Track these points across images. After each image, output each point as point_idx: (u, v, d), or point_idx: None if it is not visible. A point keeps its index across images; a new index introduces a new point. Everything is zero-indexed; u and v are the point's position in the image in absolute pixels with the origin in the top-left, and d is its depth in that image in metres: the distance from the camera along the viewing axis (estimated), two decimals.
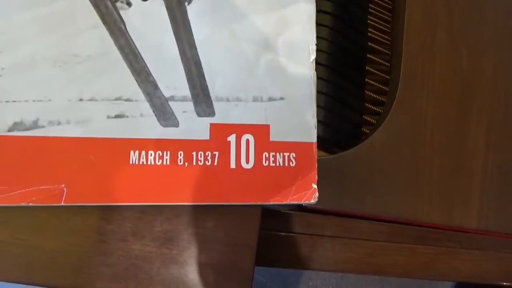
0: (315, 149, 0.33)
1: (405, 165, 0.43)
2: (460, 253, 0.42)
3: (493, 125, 0.46)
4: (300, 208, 0.41)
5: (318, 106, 0.51)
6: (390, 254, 0.40)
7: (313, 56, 0.34)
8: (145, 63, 0.32)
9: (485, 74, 0.48)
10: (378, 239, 0.41)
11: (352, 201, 0.41)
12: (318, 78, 0.53)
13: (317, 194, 0.33)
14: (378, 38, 0.54)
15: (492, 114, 0.47)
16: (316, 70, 0.52)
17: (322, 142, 0.51)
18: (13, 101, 0.31)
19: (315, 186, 0.33)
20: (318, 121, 0.51)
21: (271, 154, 0.33)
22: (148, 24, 0.32)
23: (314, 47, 0.34)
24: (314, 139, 0.33)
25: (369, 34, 0.54)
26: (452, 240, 0.42)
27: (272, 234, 0.39)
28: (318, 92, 0.52)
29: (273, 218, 0.39)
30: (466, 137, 0.45)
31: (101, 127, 0.31)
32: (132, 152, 0.31)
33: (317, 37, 0.36)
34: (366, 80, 0.55)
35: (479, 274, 0.42)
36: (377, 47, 0.54)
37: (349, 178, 0.42)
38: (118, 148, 0.31)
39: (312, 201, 0.32)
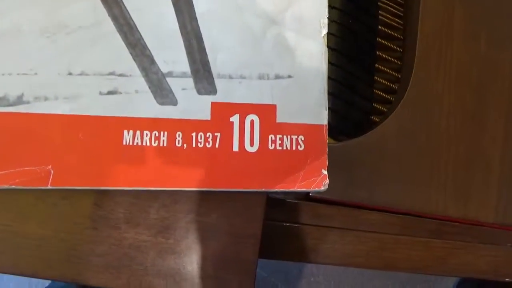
0: (325, 132, 0.31)
1: (419, 154, 0.40)
2: (477, 248, 0.39)
3: None
4: (306, 198, 0.39)
5: None
6: (402, 248, 0.38)
7: (324, 31, 0.31)
8: (140, 35, 0.29)
9: (505, 63, 0.45)
10: (390, 231, 0.38)
11: (362, 191, 0.38)
12: (328, 63, 0.50)
13: (327, 181, 0.30)
14: (390, 22, 0.51)
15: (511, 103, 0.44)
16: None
17: (329, 130, 0.48)
18: None
19: (325, 172, 0.30)
20: None
21: (278, 136, 0.30)
22: None
23: (326, 21, 0.31)
24: (324, 121, 0.31)
25: (380, 17, 0.51)
26: (469, 234, 0.40)
27: (277, 225, 0.36)
28: (328, 77, 0.50)
29: (278, 208, 0.36)
30: (484, 126, 0.43)
31: (92, 104, 0.28)
32: (125, 132, 0.28)
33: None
34: (377, 66, 0.52)
35: (497, 270, 0.40)
36: (389, 31, 0.51)
37: (359, 167, 0.39)
38: (111, 127, 0.28)
39: (322, 188, 0.30)
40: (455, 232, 0.40)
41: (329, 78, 0.49)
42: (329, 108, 0.48)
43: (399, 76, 0.49)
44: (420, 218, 0.39)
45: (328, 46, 0.49)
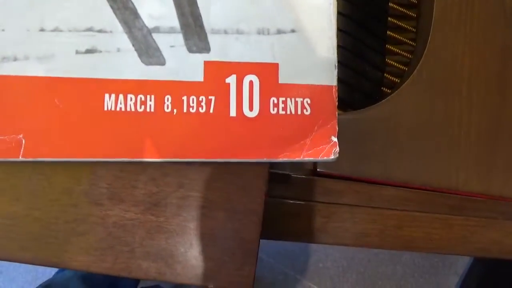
0: (335, 93, 0.27)
1: (437, 125, 0.37)
2: (503, 224, 0.36)
3: None
4: (314, 173, 0.35)
5: None
6: (421, 226, 0.34)
7: None
8: None
9: None
10: (407, 208, 0.35)
11: (375, 166, 0.35)
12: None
13: (337, 149, 0.26)
14: None
15: None
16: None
17: (337, 101, 0.45)
18: None
19: (335, 139, 0.26)
20: None
21: (281, 99, 0.26)
22: None
23: None
24: (334, 81, 0.27)
25: None
26: (494, 210, 0.36)
27: (281, 202, 0.33)
28: None
29: (282, 183, 0.33)
30: (508, 92, 0.38)
31: (68, 65, 0.25)
32: (107, 95, 0.25)
33: None
34: (389, 33, 0.48)
35: None
36: None
37: (372, 140, 0.35)
38: (90, 90, 0.25)
39: (332, 156, 0.26)
40: (478, 208, 0.36)
41: (338, 45, 0.46)
42: (338, 78, 0.45)
43: (414, 45, 0.45)
44: (439, 193, 0.36)
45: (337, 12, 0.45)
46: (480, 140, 0.37)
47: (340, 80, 0.45)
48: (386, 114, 0.37)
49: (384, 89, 0.47)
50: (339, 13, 0.45)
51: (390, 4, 0.47)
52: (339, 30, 0.45)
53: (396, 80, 0.46)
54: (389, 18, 0.48)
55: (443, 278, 1.04)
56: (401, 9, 0.46)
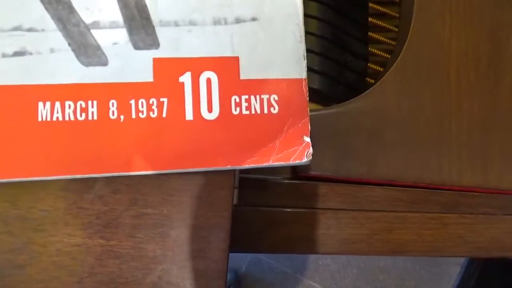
0: (305, 87, 0.24)
1: (426, 115, 0.34)
2: (501, 220, 0.33)
3: None
4: (294, 176, 0.32)
5: (311, 52, 0.42)
6: (412, 227, 0.31)
7: None
8: None
9: None
10: (396, 209, 0.32)
11: (360, 164, 0.32)
12: (311, 17, 0.43)
13: (311, 150, 0.23)
14: None
15: None
16: (309, 7, 0.41)
17: (318, 96, 0.42)
18: None
19: (307, 139, 0.23)
20: (312, 70, 0.42)
21: (243, 97, 0.23)
22: None
23: None
24: (303, 73, 0.24)
25: None
26: (491, 205, 0.33)
27: (257, 210, 0.30)
28: (311, 34, 0.43)
29: (257, 189, 0.30)
30: (501, 75, 0.35)
31: None
32: (41, 104, 0.22)
33: None
34: (371, 20, 0.44)
35: None
36: None
37: (355, 135, 0.32)
38: (20, 99, 0.22)
39: (305, 159, 0.23)
40: (474, 203, 0.33)
41: (316, 35, 0.43)
42: (316, 71, 0.42)
43: (397, 30, 0.42)
44: (430, 190, 0.33)
45: None
46: (472, 128, 0.34)
47: (321, 72, 0.42)
48: (370, 107, 0.34)
49: (368, 79, 0.44)
50: (316, 1, 0.42)
51: None
52: (317, 19, 0.42)
53: (381, 69, 0.43)
54: (370, 4, 0.45)
55: (444, 269, 1.02)
56: None
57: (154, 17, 0.23)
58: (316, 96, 0.40)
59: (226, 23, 0.23)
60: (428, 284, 1.04)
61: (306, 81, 0.24)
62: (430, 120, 0.34)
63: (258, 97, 0.23)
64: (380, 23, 0.44)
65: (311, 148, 0.23)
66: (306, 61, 0.24)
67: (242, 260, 1.00)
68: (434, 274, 1.04)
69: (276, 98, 0.23)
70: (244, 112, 0.23)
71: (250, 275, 0.97)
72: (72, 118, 0.22)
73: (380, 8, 0.44)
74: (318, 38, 0.42)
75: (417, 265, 1.04)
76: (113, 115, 0.22)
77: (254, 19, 0.24)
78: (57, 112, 0.22)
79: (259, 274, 1.00)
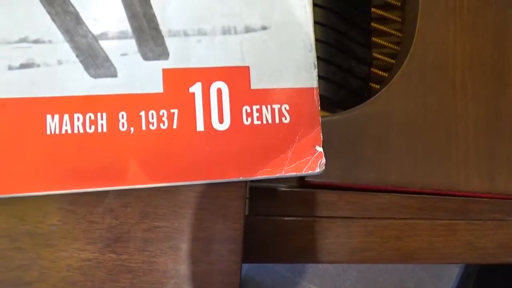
0: (317, 96, 0.23)
1: (432, 121, 0.33)
2: (509, 226, 0.33)
3: None
4: (301, 184, 0.32)
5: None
6: (422, 234, 0.31)
7: None
8: None
9: None
10: (405, 216, 0.32)
11: (368, 170, 0.32)
12: (315, 23, 0.43)
13: (323, 160, 0.23)
14: None
15: None
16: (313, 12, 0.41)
17: (323, 102, 0.41)
18: None
19: (320, 149, 0.23)
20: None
21: (255, 107, 0.23)
22: None
23: None
24: (314, 82, 0.24)
25: None
26: (499, 211, 0.33)
27: (266, 220, 0.29)
28: (315, 40, 0.42)
29: (266, 199, 0.30)
30: (507, 79, 0.35)
31: (0, 83, 0.21)
32: (49, 117, 0.21)
33: None
34: (374, 25, 0.44)
35: None
36: None
37: (363, 142, 0.32)
38: (28, 112, 0.21)
39: (318, 169, 0.23)
40: (483, 209, 0.33)
41: (319, 41, 0.42)
42: (321, 77, 0.42)
43: (401, 35, 0.42)
44: (439, 196, 0.33)
45: (315, 4, 0.42)
46: (479, 133, 0.34)
47: (324, 78, 0.42)
48: (376, 113, 0.33)
49: (372, 84, 0.44)
50: (319, 6, 0.42)
51: None
52: (320, 24, 0.42)
53: (384, 74, 0.43)
54: (372, 9, 0.45)
55: (444, 271, 1.02)
56: None
57: (163, 27, 0.23)
58: (320, 102, 0.40)
59: (235, 32, 0.23)
60: (428, 285, 1.04)
61: (318, 90, 0.24)
62: (437, 125, 0.34)
63: (269, 107, 0.23)
64: (382, 27, 0.44)
65: (323, 158, 0.23)
66: (317, 69, 0.24)
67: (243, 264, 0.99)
68: (433, 276, 1.04)
69: (288, 108, 0.23)
70: (256, 122, 0.23)
71: (250, 279, 0.97)
72: (81, 130, 0.21)
73: (382, 13, 0.44)
74: (322, 43, 0.42)
75: (417, 266, 1.04)
76: (123, 127, 0.22)
77: (264, 28, 0.23)
78: (66, 125, 0.21)
79: (260, 277, 0.99)
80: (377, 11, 0.44)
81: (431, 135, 0.33)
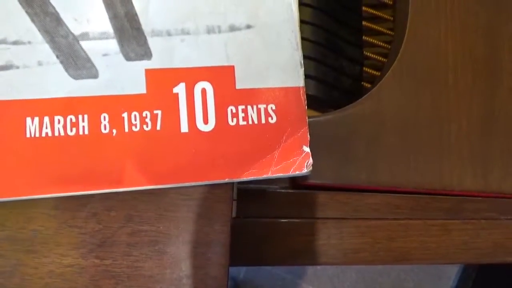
0: (303, 95, 0.23)
1: (425, 119, 0.33)
2: (503, 225, 0.32)
3: None
4: (293, 185, 0.31)
5: (306, 57, 0.41)
6: (415, 235, 0.31)
7: None
8: None
9: None
10: (398, 216, 0.31)
11: (360, 170, 0.31)
12: (305, 22, 0.42)
13: (311, 160, 0.22)
14: None
15: None
16: (302, 12, 0.41)
17: (314, 102, 0.41)
18: None
19: (307, 149, 0.23)
20: (308, 76, 0.41)
21: (240, 108, 0.22)
22: None
23: None
24: (301, 81, 0.23)
25: None
26: (493, 210, 0.33)
27: (256, 222, 0.29)
28: (305, 40, 0.42)
29: (256, 200, 0.29)
30: (500, 75, 0.35)
31: None
32: (29, 119, 0.21)
33: None
34: (364, 23, 0.44)
35: None
36: None
37: (354, 141, 0.32)
38: (7, 115, 0.21)
39: (305, 170, 0.22)
40: (477, 208, 0.32)
41: (310, 41, 0.42)
42: (313, 77, 0.41)
43: (393, 34, 0.42)
44: (432, 196, 0.32)
45: (305, 4, 0.41)
46: (472, 132, 0.34)
47: (316, 78, 0.41)
48: (368, 112, 0.33)
49: (364, 84, 0.43)
50: (310, 6, 0.42)
51: None
52: (311, 24, 0.42)
53: (376, 73, 0.43)
54: (363, 8, 0.44)
55: (443, 271, 1.02)
56: None
57: (146, 26, 0.22)
58: (312, 102, 0.40)
59: (220, 31, 0.23)
60: (427, 285, 1.03)
61: (304, 89, 0.23)
62: (429, 124, 0.33)
63: (255, 107, 0.22)
64: (374, 26, 0.43)
65: (311, 158, 0.22)
66: (303, 68, 0.23)
67: (240, 267, 0.99)
68: (432, 276, 1.03)
69: (274, 108, 0.23)
70: (241, 122, 0.22)
71: (249, 282, 0.96)
72: (62, 133, 0.21)
73: (373, 11, 0.44)
74: (313, 43, 0.41)
75: (416, 267, 1.04)
76: (105, 129, 0.21)
77: (248, 27, 0.23)
78: (46, 128, 0.21)
79: (258, 280, 0.99)
80: (369, 10, 0.44)
81: (424, 134, 0.33)
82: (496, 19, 0.35)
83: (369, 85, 0.43)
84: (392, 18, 0.42)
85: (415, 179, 0.32)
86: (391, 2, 0.43)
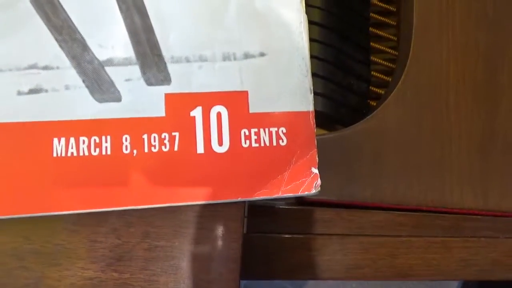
0: (312, 120, 0.24)
1: (427, 138, 0.34)
2: (503, 243, 0.33)
3: None
4: (299, 201, 0.33)
5: (315, 75, 0.43)
6: (417, 252, 0.32)
7: None
8: (67, 14, 0.23)
9: None
10: (401, 233, 0.32)
11: (364, 188, 0.32)
12: (313, 41, 0.44)
13: (319, 181, 0.24)
14: None
15: None
16: (311, 32, 0.42)
17: (322, 119, 0.42)
18: None
19: (315, 170, 0.24)
20: (316, 93, 0.42)
21: (253, 130, 0.24)
22: None
23: None
24: (310, 106, 0.25)
25: None
26: (493, 229, 0.34)
27: (263, 237, 0.30)
28: (314, 57, 0.43)
29: (264, 216, 0.30)
30: (499, 98, 0.36)
31: (9, 108, 0.22)
32: (56, 140, 0.22)
33: None
34: (372, 44, 0.45)
35: None
36: (381, 3, 0.44)
37: (359, 159, 0.33)
38: (36, 136, 0.22)
39: (313, 191, 0.24)
40: (477, 227, 0.34)
41: (318, 59, 0.43)
42: (320, 94, 0.43)
43: (396, 53, 0.43)
44: (433, 214, 0.33)
45: (314, 22, 0.43)
46: (472, 151, 0.35)
47: (324, 95, 0.43)
48: (372, 131, 0.34)
49: (370, 102, 0.45)
50: (319, 24, 0.43)
51: (371, 14, 0.45)
52: (320, 42, 0.43)
53: (380, 91, 0.44)
54: (370, 28, 0.46)
55: (444, 282, 1.02)
56: (379, 17, 0.44)
57: (166, 53, 0.24)
58: (319, 119, 0.41)
59: (235, 58, 0.24)
60: None
61: (313, 114, 0.24)
62: (431, 144, 0.35)
63: (267, 130, 0.24)
64: (378, 45, 0.45)
65: (319, 179, 0.24)
66: (312, 94, 0.25)
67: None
68: (434, 284, 1.03)
69: (284, 131, 0.24)
70: (254, 144, 0.24)
71: None
72: (86, 153, 0.22)
73: (379, 32, 0.45)
74: (321, 61, 0.43)
75: None
76: (126, 149, 0.23)
77: (262, 54, 0.24)
78: (72, 148, 0.22)
79: None
80: (373, 30, 0.45)
81: (426, 153, 0.34)
82: (494, 43, 0.37)
83: (374, 103, 0.44)
84: (395, 38, 0.44)
85: (417, 196, 0.33)
86: (394, 24, 0.44)
